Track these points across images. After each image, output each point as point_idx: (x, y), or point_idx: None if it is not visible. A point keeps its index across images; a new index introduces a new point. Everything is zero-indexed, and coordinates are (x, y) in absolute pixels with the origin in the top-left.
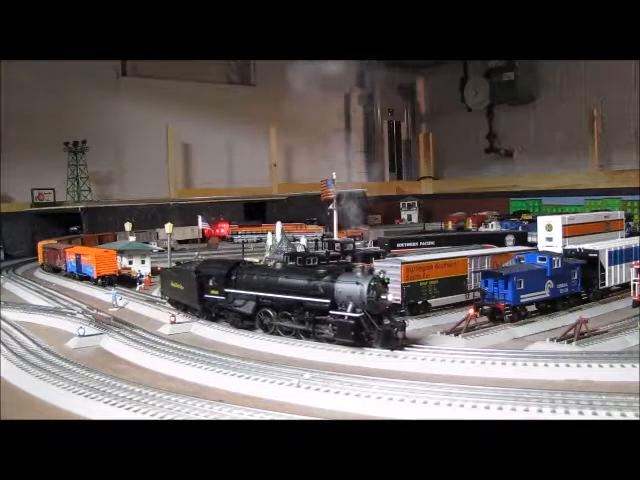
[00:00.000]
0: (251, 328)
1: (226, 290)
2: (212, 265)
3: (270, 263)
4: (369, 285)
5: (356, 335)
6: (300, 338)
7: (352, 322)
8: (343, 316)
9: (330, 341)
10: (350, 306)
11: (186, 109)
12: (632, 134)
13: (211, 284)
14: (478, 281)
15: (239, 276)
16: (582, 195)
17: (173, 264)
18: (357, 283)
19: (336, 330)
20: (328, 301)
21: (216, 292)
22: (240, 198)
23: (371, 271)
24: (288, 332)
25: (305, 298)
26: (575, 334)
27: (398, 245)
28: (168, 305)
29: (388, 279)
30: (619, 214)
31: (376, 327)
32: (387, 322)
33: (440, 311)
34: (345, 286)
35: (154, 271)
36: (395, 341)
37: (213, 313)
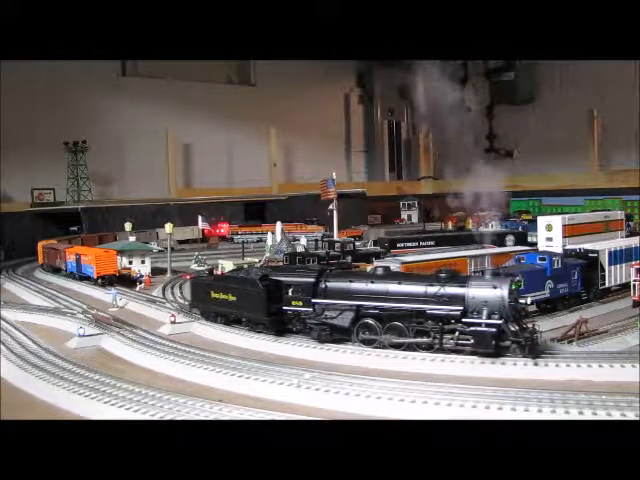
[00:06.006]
0: (342, 342)
1: (313, 301)
2: (292, 272)
3: (369, 269)
4: (510, 288)
5: (497, 344)
6: (415, 350)
7: (494, 330)
8: (479, 324)
9: (457, 352)
10: (485, 312)
11: (186, 109)
12: (632, 134)
13: (291, 294)
14: None
15: (330, 284)
16: (582, 195)
17: (173, 264)
18: (494, 287)
19: (473, 340)
20: (460, 308)
21: (299, 303)
22: (240, 198)
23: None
24: (398, 345)
25: (429, 306)
26: (575, 334)
27: (398, 245)
28: (168, 305)
29: (520, 282)
30: (619, 214)
31: (521, 334)
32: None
33: None
34: (480, 291)
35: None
36: (537, 348)
37: (294, 327)
